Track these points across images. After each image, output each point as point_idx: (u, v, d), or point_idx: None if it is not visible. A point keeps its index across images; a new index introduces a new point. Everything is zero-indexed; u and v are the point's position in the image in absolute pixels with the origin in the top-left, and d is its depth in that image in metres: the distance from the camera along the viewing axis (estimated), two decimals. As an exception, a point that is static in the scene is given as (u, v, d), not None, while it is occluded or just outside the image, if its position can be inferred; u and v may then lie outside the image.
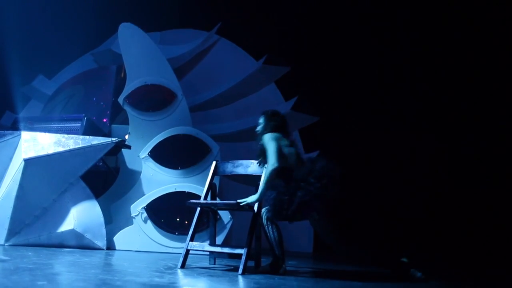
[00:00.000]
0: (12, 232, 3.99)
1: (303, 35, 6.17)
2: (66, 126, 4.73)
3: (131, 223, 4.48)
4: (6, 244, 3.97)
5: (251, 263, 3.10)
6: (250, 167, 3.38)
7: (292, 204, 2.90)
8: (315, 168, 2.93)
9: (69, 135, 4.27)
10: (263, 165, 3.19)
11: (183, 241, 3.42)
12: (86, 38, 6.48)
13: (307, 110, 5.65)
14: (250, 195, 3.30)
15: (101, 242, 4.17)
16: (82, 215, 4.16)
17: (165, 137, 4.77)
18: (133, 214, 4.48)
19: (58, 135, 4.26)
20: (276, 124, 3.22)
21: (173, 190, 4.54)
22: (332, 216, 2.96)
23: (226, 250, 3.20)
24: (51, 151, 4.16)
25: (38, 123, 4.81)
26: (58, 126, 4.69)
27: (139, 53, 5.06)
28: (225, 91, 5.90)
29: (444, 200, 5.62)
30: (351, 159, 5.59)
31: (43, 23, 6.50)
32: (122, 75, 5.61)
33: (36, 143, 4.18)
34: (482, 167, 5.56)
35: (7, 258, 3.14)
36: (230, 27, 6.17)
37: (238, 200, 3.02)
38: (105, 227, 4.22)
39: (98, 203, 4.27)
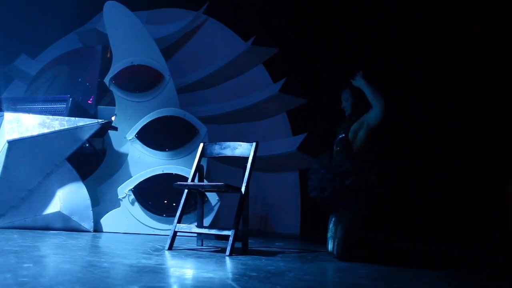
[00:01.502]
0: (-3, 214, 3.95)
1: (292, 16, 6.10)
2: (50, 107, 4.65)
3: (118, 205, 4.47)
4: (-9, 227, 3.94)
5: (238, 245, 3.13)
6: (238, 148, 3.37)
7: (335, 188, 2.85)
8: (367, 161, 2.95)
9: (54, 117, 4.20)
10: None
11: (171, 223, 3.43)
12: (71, 17, 6.31)
13: (296, 92, 5.64)
14: (238, 177, 3.31)
15: (88, 224, 4.16)
16: (68, 197, 4.13)
17: (152, 118, 4.73)
18: (120, 196, 4.47)
19: (43, 116, 4.19)
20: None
21: (161, 172, 4.53)
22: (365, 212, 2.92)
23: (214, 231, 3.22)
24: (35, 132, 4.09)
25: (21, 104, 4.71)
26: (42, 107, 4.60)
27: (125, 32, 4.96)
28: (213, 72, 5.85)
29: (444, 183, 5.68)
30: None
31: (26, 0, 6.31)
32: (108, 55, 5.50)
33: (20, 124, 4.11)
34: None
35: (-8, 240, 3.11)
36: (218, 7, 6.06)
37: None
38: (92, 209, 4.20)
39: (85, 185, 4.24)
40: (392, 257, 2.94)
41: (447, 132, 5.72)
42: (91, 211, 4.18)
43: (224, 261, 2.70)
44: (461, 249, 4.20)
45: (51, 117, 4.18)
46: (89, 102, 5.35)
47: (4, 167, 3.97)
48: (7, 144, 4.00)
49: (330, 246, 3.02)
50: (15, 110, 4.52)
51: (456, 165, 5.67)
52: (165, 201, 4.46)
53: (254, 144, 3.31)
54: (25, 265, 2.17)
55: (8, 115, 4.15)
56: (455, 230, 5.44)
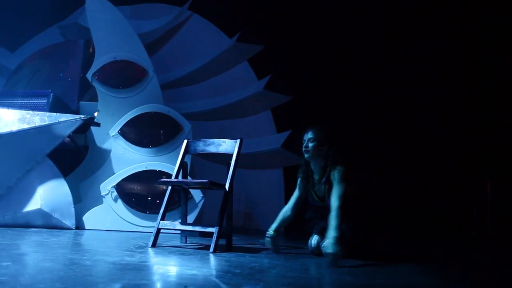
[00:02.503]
0: (-25, 211, 3.87)
1: (277, 13, 6.10)
2: (31, 102, 4.56)
3: (101, 202, 4.42)
4: (-32, 224, 3.85)
5: (222, 242, 3.13)
6: (222, 145, 3.37)
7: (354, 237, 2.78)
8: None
9: (34, 112, 4.12)
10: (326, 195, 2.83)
11: (154, 220, 3.40)
12: (52, 10, 6.18)
13: (280, 89, 5.65)
14: (222, 174, 3.30)
15: (70, 222, 4.10)
16: (49, 194, 4.06)
17: (136, 114, 4.68)
18: (103, 193, 4.42)
19: (23, 111, 4.10)
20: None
21: (144, 169, 4.49)
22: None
23: (198, 228, 3.21)
24: (15, 128, 4.01)
25: (0, 99, 4.61)
26: (22, 102, 4.51)
27: (108, 27, 4.90)
28: (197, 69, 5.82)
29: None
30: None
31: (5, -8, 6.16)
32: (91, 50, 5.42)
33: (-1, 119, 4.02)
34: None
35: (-30, 238, 3.04)
36: (203, 3, 6.03)
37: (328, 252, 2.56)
38: (74, 206, 4.14)
39: (67, 182, 4.18)
40: (373, 254, 2.98)
41: (426, 132, 5.82)
42: (73, 208, 4.13)
43: (208, 258, 2.70)
44: (441, 245, 4.28)
45: (31, 112, 4.10)
46: (71, 97, 5.27)
47: (-17, 163, 3.89)
48: (-15, 140, 3.91)
49: (313, 242, 3.02)
50: (-7, 105, 4.42)
51: (436, 165, 5.78)
52: (149, 198, 4.43)
53: (238, 141, 3.31)
54: (4, 263, 2.13)
55: (-14, 110, 4.06)
56: (435, 227, 5.55)
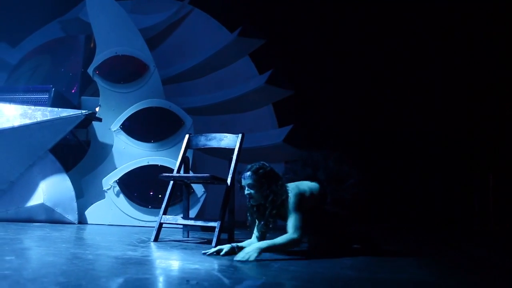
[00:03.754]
0: (-22, 206, 3.88)
1: (279, 7, 6.08)
2: (32, 98, 4.56)
3: (103, 197, 4.43)
4: (-29, 219, 3.87)
5: (224, 236, 3.13)
6: (223, 140, 3.37)
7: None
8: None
9: (36, 107, 4.13)
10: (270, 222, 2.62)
11: (156, 214, 3.41)
12: (53, 4, 6.16)
13: (282, 84, 5.63)
14: (224, 168, 3.30)
15: (72, 216, 4.12)
16: (51, 189, 4.07)
17: (137, 109, 4.68)
18: (105, 188, 4.43)
19: (25, 106, 4.11)
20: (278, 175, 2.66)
21: (146, 164, 4.50)
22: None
23: (200, 223, 3.22)
24: (17, 123, 4.02)
25: (1, 94, 4.60)
26: (23, 97, 4.51)
27: (109, 22, 4.89)
28: (199, 64, 5.80)
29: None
30: (325, 133, 5.65)
31: (5, -14, 6.14)
32: (92, 45, 5.42)
33: (1, 114, 4.03)
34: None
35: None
36: (204, -3, 6.01)
37: (235, 258, 2.38)
38: (76, 201, 4.16)
39: (69, 176, 4.19)
40: (375, 249, 2.98)
41: (428, 126, 5.80)
42: (75, 203, 4.14)
43: (210, 253, 2.70)
44: (443, 240, 4.29)
45: (33, 107, 4.11)
46: (72, 92, 5.27)
47: (-15, 158, 3.90)
48: (-13, 135, 3.92)
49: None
50: (-5, 100, 4.43)
51: (438, 159, 5.77)
52: (151, 193, 4.43)
53: (240, 135, 3.30)
54: (7, 257, 2.14)
55: (-12, 105, 4.06)
56: (437, 221, 5.55)
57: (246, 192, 2.63)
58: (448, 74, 5.82)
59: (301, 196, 2.62)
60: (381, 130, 5.74)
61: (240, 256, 2.39)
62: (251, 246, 2.44)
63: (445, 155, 5.75)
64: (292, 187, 2.66)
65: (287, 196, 2.59)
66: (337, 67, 5.94)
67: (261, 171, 2.59)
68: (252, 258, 2.34)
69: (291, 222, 2.55)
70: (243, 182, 2.62)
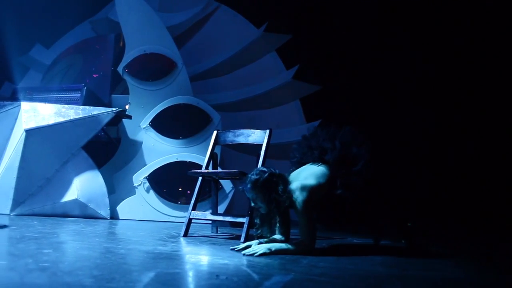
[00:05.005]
0: (17, 202, 4.05)
1: (305, 2, 6.01)
2: (65, 96, 4.71)
3: (134, 193, 4.52)
4: (11, 214, 4.03)
5: (252, 232, 3.14)
6: (251, 136, 3.37)
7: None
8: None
9: (69, 105, 4.26)
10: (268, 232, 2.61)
11: (185, 210, 3.46)
12: (84, 6, 6.32)
13: (309, 79, 5.59)
14: (252, 164, 3.31)
15: (105, 212, 4.23)
16: (85, 185, 4.19)
17: (166, 106, 4.75)
18: (135, 184, 4.52)
19: (59, 105, 4.25)
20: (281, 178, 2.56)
21: (175, 160, 4.56)
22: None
23: (228, 218, 3.24)
24: (52, 121, 4.16)
25: (37, 93, 4.78)
26: (57, 96, 4.66)
27: (137, 21, 4.97)
28: (226, 60, 5.82)
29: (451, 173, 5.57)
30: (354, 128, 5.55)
31: (39, -10, 6.33)
32: (121, 44, 5.52)
33: (37, 113, 4.17)
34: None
35: (13, 227, 3.19)
36: (230, -7, 6.01)
37: (243, 252, 2.43)
38: (108, 197, 4.26)
39: (100, 173, 4.30)
40: (408, 246, 2.92)
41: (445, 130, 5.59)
42: (107, 199, 4.25)
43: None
44: (483, 240, 4.14)
45: (66, 106, 4.24)
46: (103, 90, 5.40)
47: (22, 156, 4.06)
48: (24, 133, 4.08)
49: None
50: (31, 99, 4.60)
51: (486, 158, 5.50)
52: (180, 189, 4.50)
53: (267, 131, 3.30)
54: (45, 251, 2.23)
55: (24, 105, 4.22)
56: (480, 221, 5.32)
57: (251, 204, 2.61)
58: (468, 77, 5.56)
59: (308, 194, 2.49)
60: (417, 128, 5.55)
61: (247, 250, 2.44)
62: (262, 245, 2.47)
63: (493, 153, 5.47)
64: (297, 186, 2.51)
65: (291, 201, 2.51)
66: (365, 61, 5.83)
67: (259, 182, 2.50)
68: (256, 255, 2.37)
69: (303, 229, 2.51)
70: (247, 195, 2.58)
